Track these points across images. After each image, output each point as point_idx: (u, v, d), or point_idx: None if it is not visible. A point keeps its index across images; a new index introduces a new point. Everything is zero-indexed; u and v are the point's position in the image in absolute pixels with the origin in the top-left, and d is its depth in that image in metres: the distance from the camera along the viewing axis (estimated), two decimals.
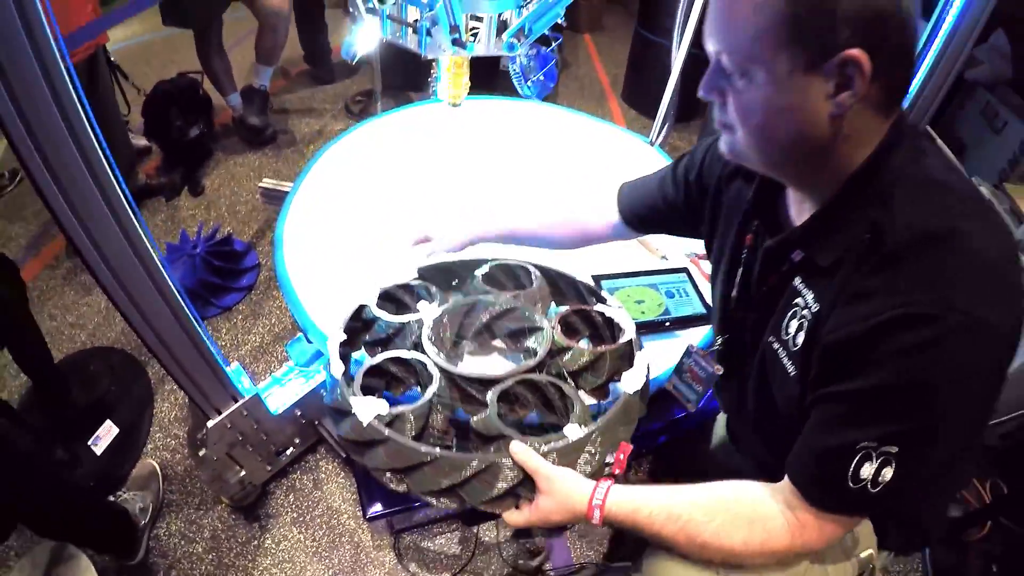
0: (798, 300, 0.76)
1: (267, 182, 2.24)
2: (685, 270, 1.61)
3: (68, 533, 1.25)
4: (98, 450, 1.52)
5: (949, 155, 0.67)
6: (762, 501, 0.76)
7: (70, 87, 0.74)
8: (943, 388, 0.62)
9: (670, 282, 1.59)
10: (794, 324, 0.77)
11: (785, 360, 0.79)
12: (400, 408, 0.91)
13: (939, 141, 1.74)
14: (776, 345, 0.81)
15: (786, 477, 0.76)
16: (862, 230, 0.67)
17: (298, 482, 1.56)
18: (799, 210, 0.80)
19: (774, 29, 0.62)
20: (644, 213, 1.12)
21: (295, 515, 1.50)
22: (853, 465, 0.66)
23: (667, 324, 1.48)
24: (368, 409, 0.90)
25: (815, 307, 0.73)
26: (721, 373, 1.02)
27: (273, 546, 1.45)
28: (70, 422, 1.55)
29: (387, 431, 0.88)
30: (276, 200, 2.20)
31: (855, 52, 0.59)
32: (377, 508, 1.31)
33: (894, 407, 0.64)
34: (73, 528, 1.24)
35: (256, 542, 1.45)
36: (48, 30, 0.70)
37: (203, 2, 2.24)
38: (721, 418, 1.29)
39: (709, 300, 1.52)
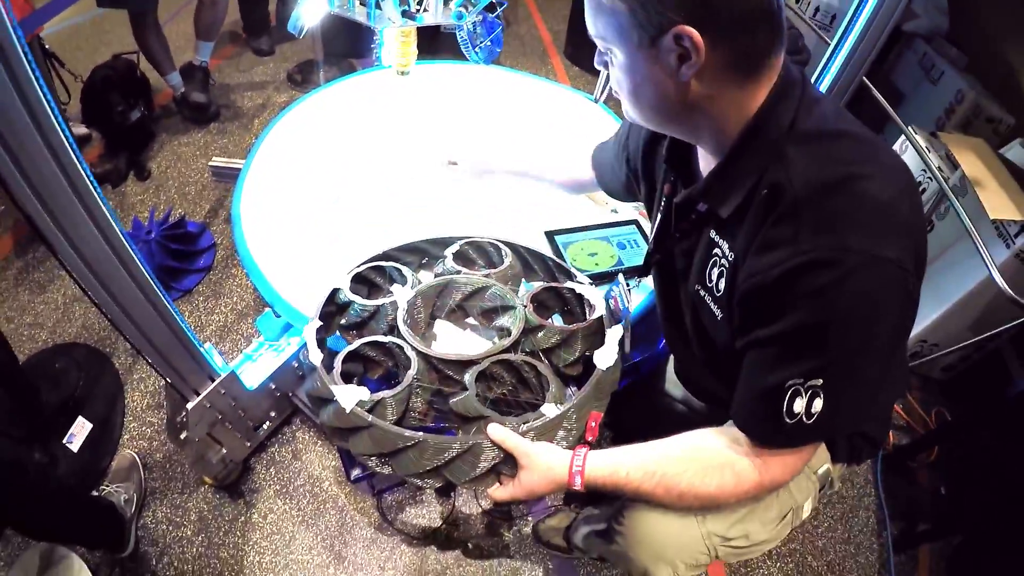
0: (716, 251, 0.83)
1: (217, 160, 2.21)
2: (635, 222, 1.67)
3: (57, 534, 1.26)
4: (75, 447, 1.51)
5: (839, 106, 0.74)
6: (725, 447, 0.82)
7: (30, 73, 0.73)
8: (852, 321, 0.68)
9: (621, 234, 1.65)
10: (715, 272, 0.83)
11: (712, 306, 0.85)
12: (381, 394, 0.94)
13: (875, 93, 1.83)
14: (703, 292, 0.87)
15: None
16: (758, 185, 0.74)
17: (277, 455, 1.59)
18: (707, 163, 0.86)
19: (615, 16, 0.71)
20: (603, 173, 1.22)
21: (278, 487, 1.54)
22: (785, 403, 0.72)
23: (620, 275, 1.55)
24: (350, 396, 0.93)
25: (731, 256, 0.79)
26: (629, 311, 1.10)
27: (260, 520, 1.48)
28: (43, 423, 1.53)
29: (370, 417, 0.91)
30: (228, 178, 2.18)
31: (685, 28, 0.66)
32: (360, 470, 1.36)
33: (811, 344, 0.70)
34: (61, 528, 1.25)
35: (243, 518, 1.48)
36: (5, 15, 0.69)
37: None
38: (672, 359, 1.36)
39: None
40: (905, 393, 1.99)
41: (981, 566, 1.60)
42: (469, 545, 1.49)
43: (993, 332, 1.63)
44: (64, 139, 0.80)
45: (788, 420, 0.73)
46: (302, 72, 2.95)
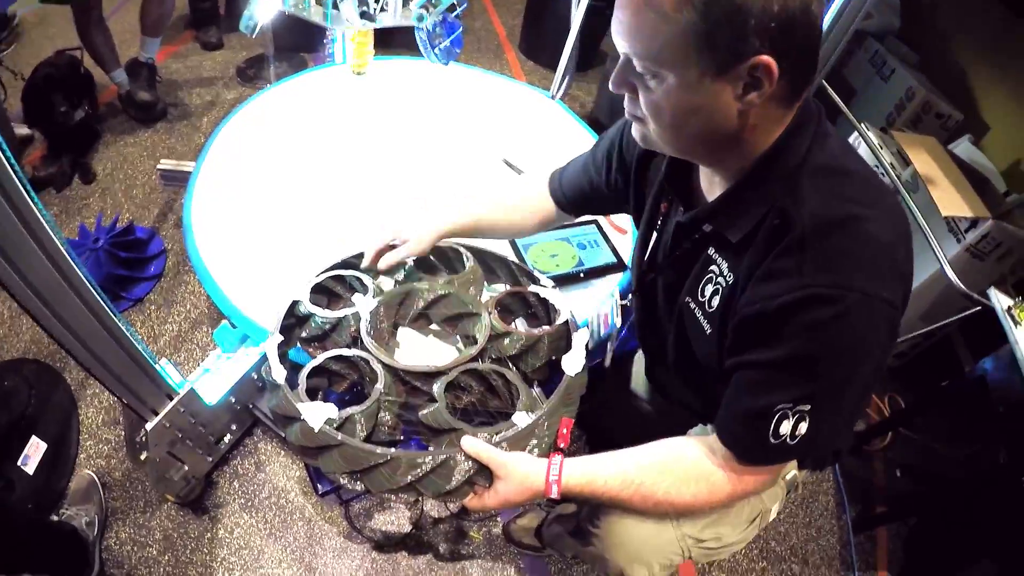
0: (713, 267, 0.83)
1: (165, 163, 2.13)
2: (595, 222, 1.68)
3: (17, 563, 1.20)
4: (29, 469, 1.45)
5: (844, 140, 0.75)
6: (702, 459, 0.84)
7: None
8: (845, 354, 0.70)
9: (581, 234, 1.66)
10: (709, 288, 0.84)
11: (702, 320, 0.86)
12: (349, 410, 0.93)
13: (830, 90, 1.86)
14: (692, 305, 0.88)
15: (715, 435, 0.84)
16: (770, 213, 0.74)
17: (240, 467, 1.56)
18: (709, 183, 0.86)
19: (684, 38, 0.64)
20: (574, 197, 1.16)
21: (243, 501, 1.51)
22: (772, 425, 0.74)
23: (581, 275, 1.57)
24: (317, 415, 0.90)
25: (730, 277, 0.80)
26: (619, 326, 1.09)
27: (227, 535, 1.45)
28: None
29: (339, 436, 0.89)
30: (177, 181, 2.11)
31: (765, 58, 0.63)
32: (327, 485, 1.34)
33: (804, 373, 0.72)
34: (22, 556, 1.19)
35: (209, 535, 1.45)
36: None
37: None
38: (639, 359, 1.37)
39: (621, 252, 1.61)
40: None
41: (937, 544, 1.67)
42: (440, 548, 1.49)
43: (943, 323, 1.69)
44: None
45: (773, 440, 0.75)
46: (253, 66, 2.86)
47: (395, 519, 1.52)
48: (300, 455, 0.97)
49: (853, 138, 2.08)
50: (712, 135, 0.72)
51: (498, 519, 1.54)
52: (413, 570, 1.45)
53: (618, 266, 1.59)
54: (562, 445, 0.96)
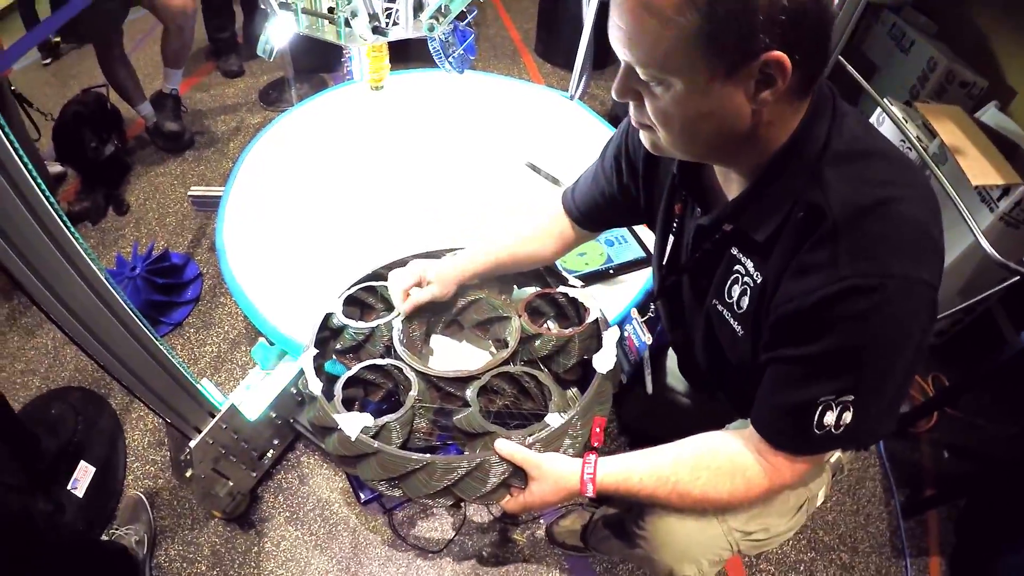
0: (738, 267, 0.81)
1: (196, 190, 2.19)
2: None
3: None
4: (79, 493, 1.49)
5: (860, 116, 0.72)
6: (738, 453, 0.83)
7: None
8: (888, 343, 0.68)
9: (609, 231, 1.65)
10: (737, 289, 0.82)
11: (732, 322, 0.84)
12: (385, 418, 0.94)
13: (850, 68, 1.83)
14: (720, 308, 0.86)
15: (752, 427, 0.82)
16: (794, 207, 0.71)
17: (284, 481, 1.59)
18: (726, 180, 0.83)
19: (689, 42, 0.61)
20: (589, 212, 1.10)
21: (288, 514, 1.53)
22: (816, 416, 0.73)
23: (611, 272, 1.56)
24: (354, 424, 0.93)
25: (758, 276, 0.77)
26: (650, 343, 1.06)
27: (273, 548, 1.48)
28: (45, 471, 1.52)
29: (376, 443, 0.91)
30: (208, 206, 2.16)
31: (776, 54, 0.60)
32: (369, 492, 1.36)
33: (846, 365, 0.70)
34: (74, 575, 1.23)
35: (256, 548, 1.48)
36: None
37: (102, 15, 2.11)
38: (672, 354, 1.35)
39: (649, 247, 1.59)
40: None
41: (989, 525, 1.62)
42: (484, 553, 1.49)
43: (982, 296, 1.64)
44: (33, 184, 0.78)
45: (817, 432, 0.74)
46: (274, 90, 2.92)
47: (438, 526, 1.53)
48: (339, 464, 0.99)
49: (876, 114, 2.04)
50: (726, 137, 0.70)
51: (541, 521, 1.54)
52: (458, 575, 1.46)
53: (647, 261, 1.58)
54: (596, 444, 0.96)
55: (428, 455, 0.90)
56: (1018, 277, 1.46)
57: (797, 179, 0.71)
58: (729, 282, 0.83)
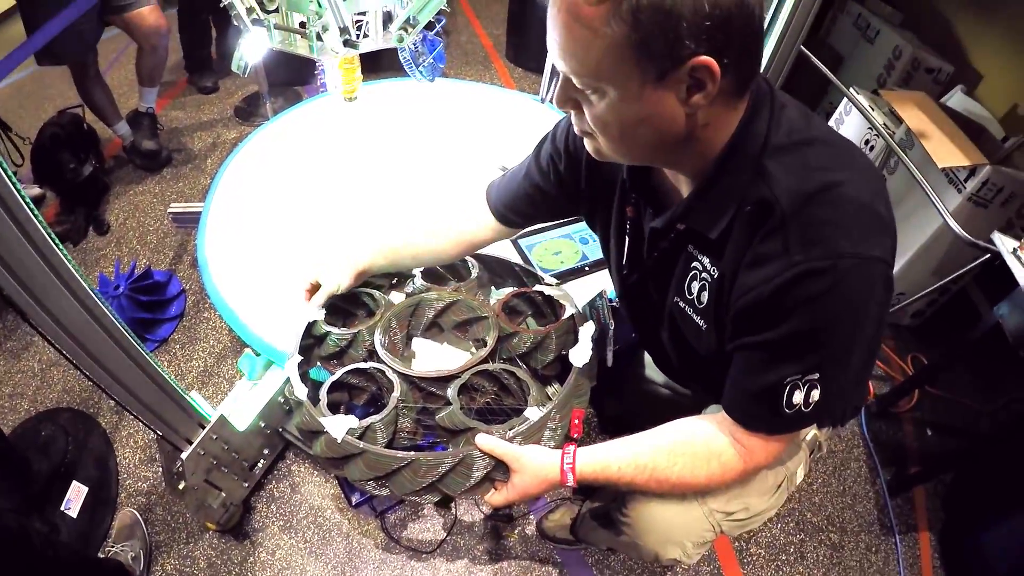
0: (695, 264, 0.83)
1: (175, 206, 2.19)
2: None
3: None
4: (73, 513, 1.50)
5: (801, 107, 0.73)
6: (713, 438, 0.85)
7: None
8: (847, 320, 0.71)
9: (582, 229, 1.68)
10: (696, 285, 0.84)
11: (695, 317, 0.86)
12: (369, 419, 0.96)
13: (812, 58, 1.86)
14: (682, 304, 0.88)
15: (724, 412, 0.85)
16: (742, 203, 0.73)
17: (276, 491, 1.60)
18: (675, 180, 0.85)
19: (618, 50, 0.63)
20: (518, 207, 1.10)
21: (281, 523, 1.54)
22: (785, 396, 0.75)
23: (586, 268, 1.60)
24: (340, 426, 0.94)
25: (715, 271, 0.80)
26: (613, 326, 1.08)
27: (269, 558, 1.49)
28: (38, 493, 1.52)
29: (361, 444, 0.93)
30: (188, 222, 2.16)
31: (703, 59, 0.62)
32: (360, 495, 1.38)
33: (809, 346, 0.73)
34: None
35: (252, 558, 1.49)
36: None
37: (76, 37, 2.11)
38: None
39: None
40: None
41: (976, 499, 1.66)
42: (477, 551, 1.51)
43: (955, 275, 1.68)
44: (22, 201, 0.80)
45: (787, 411, 0.76)
46: (249, 105, 2.93)
47: (430, 527, 1.54)
48: (327, 467, 1.01)
49: (843, 104, 2.08)
50: (664, 141, 0.72)
51: (531, 516, 1.56)
52: (452, 575, 1.48)
53: None
54: (575, 435, 0.98)
55: (412, 452, 0.92)
56: (988, 255, 1.50)
57: (742, 176, 0.73)
58: (688, 279, 0.85)
